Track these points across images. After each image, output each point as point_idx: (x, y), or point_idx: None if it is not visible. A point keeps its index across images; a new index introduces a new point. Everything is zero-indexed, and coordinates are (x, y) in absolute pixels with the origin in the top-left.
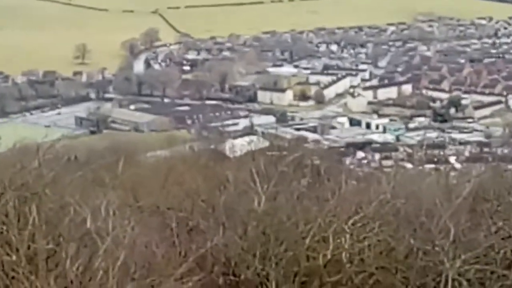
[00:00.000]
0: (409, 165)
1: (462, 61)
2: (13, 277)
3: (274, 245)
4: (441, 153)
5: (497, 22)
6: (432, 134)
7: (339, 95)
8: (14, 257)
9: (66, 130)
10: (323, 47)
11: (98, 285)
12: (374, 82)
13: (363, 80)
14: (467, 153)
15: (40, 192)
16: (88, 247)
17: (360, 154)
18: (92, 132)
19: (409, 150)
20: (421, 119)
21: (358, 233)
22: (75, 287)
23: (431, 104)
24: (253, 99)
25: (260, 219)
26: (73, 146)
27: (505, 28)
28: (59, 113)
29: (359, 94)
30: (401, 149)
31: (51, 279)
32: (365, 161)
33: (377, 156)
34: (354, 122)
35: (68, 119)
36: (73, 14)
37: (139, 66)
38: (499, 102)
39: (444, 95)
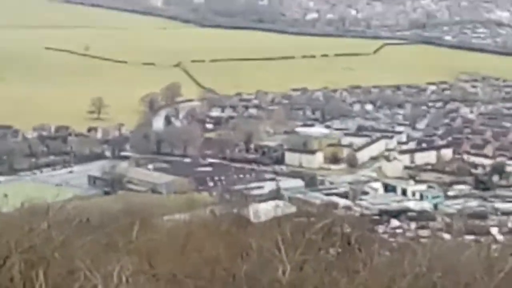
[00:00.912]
0: (447, 236)
1: (508, 125)
2: None
3: None
4: (482, 223)
5: None
6: (473, 203)
7: (373, 159)
8: None
9: (78, 190)
10: (357, 107)
11: None
12: (412, 145)
13: (399, 143)
14: (510, 225)
15: (49, 256)
16: None
17: (395, 222)
18: (106, 193)
19: (448, 220)
20: (462, 186)
21: None
22: None
23: (473, 170)
24: (280, 160)
25: None
26: (85, 207)
27: None
28: (71, 172)
29: (395, 158)
30: (439, 218)
31: None
32: (399, 231)
33: (413, 225)
34: (388, 188)
35: (81, 178)
36: (89, 65)
37: (158, 123)
38: None
39: (487, 161)
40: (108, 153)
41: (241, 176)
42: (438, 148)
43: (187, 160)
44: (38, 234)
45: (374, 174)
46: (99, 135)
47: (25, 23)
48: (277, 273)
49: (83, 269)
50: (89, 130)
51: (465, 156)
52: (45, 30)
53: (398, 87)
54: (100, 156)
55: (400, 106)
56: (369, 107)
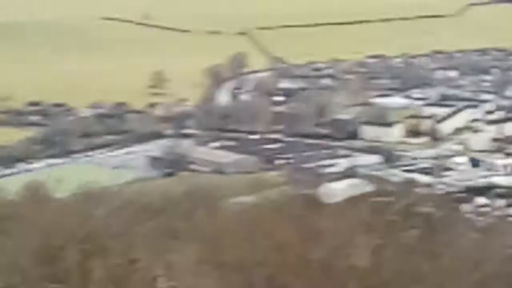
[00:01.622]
0: None
1: None
2: None
3: None
4: None
5: None
6: None
7: (458, 130)
8: None
9: (138, 172)
10: (439, 74)
11: None
12: (500, 114)
13: (486, 112)
14: None
15: (106, 245)
16: None
17: (482, 200)
18: (168, 175)
19: None
20: None
21: None
22: None
23: None
24: (355, 135)
25: (362, 277)
26: (145, 191)
27: None
28: (129, 152)
29: (481, 129)
30: None
31: None
32: (487, 209)
33: (501, 202)
34: (475, 163)
35: (140, 159)
36: (148, 36)
37: (224, 97)
38: None
39: None
40: (169, 131)
41: (313, 153)
42: None
43: (255, 136)
44: (94, 221)
45: (458, 148)
46: (159, 111)
47: None
48: (353, 259)
49: (143, 259)
50: (149, 106)
51: None
52: None
53: (484, 51)
54: (161, 135)
55: (486, 72)
56: (452, 73)
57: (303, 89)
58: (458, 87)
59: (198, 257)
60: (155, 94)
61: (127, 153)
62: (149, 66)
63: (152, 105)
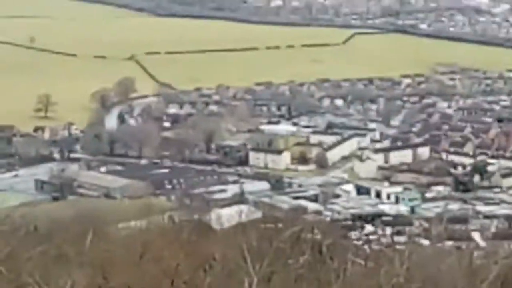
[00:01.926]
0: (425, 242)
1: (489, 120)
2: None
3: None
4: (463, 228)
5: None
6: (453, 206)
7: (345, 159)
8: None
9: (24, 196)
10: (326, 102)
11: None
12: (386, 143)
13: (372, 141)
14: (493, 229)
15: None
16: None
17: (369, 228)
18: (55, 199)
19: (426, 225)
20: (440, 188)
21: None
22: None
23: (452, 170)
24: (244, 161)
25: None
26: (33, 215)
27: None
28: (16, 175)
29: (368, 158)
30: (417, 223)
31: None
32: (374, 237)
33: (388, 230)
34: (361, 191)
35: (27, 182)
36: (34, 59)
37: (111, 122)
38: None
39: (467, 160)
40: (56, 155)
41: (202, 178)
42: (414, 146)
43: (143, 162)
44: None
45: (345, 176)
46: (46, 135)
47: None
48: (243, 286)
49: (31, 284)
50: (36, 130)
51: (444, 155)
52: None
53: (370, 81)
54: (47, 159)
55: (372, 101)
56: (339, 102)
57: (191, 114)
58: (345, 115)
59: (88, 282)
60: (42, 117)
61: (14, 176)
62: (35, 89)
63: (39, 129)
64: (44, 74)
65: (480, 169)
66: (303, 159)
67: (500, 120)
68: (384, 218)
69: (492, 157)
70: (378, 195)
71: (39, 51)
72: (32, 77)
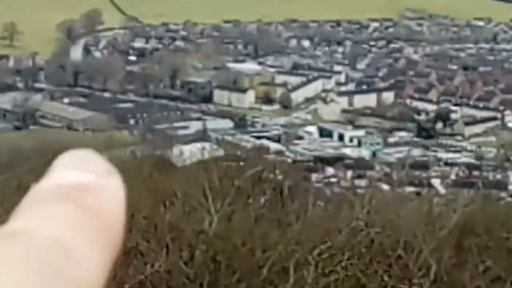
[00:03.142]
0: (386, 187)
1: (454, 67)
2: None
3: (225, 274)
4: (424, 174)
5: (496, 25)
6: (415, 152)
7: (309, 100)
8: None
9: None
10: (293, 43)
11: None
12: (351, 86)
13: (337, 83)
14: (453, 176)
15: None
16: None
17: (330, 170)
18: (17, 128)
19: (387, 169)
20: (403, 133)
21: (324, 265)
22: None
23: (415, 116)
24: (208, 99)
25: (211, 243)
26: None
27: (506, 32)
28: None
29: (332, 100)
30: (378, 167)
31: None
32: (335, 180)
33: (349, 174)
34: (324, 133)
35: None
36: None
37: (76, 53)
38: (494, 119)
39: (431, 107)
40: (20, 85)
41: (165, 114)
42: (379, 90)
43: (107, 94)
44: None
45: (309, 117)
46: (10, 63)
47: None
48: (203, 224)
49: None
50: (0, 58)
51: (408, 101)
52: None
53: (338, 23)
54: (11, 87)
55: (339, 43)
56: (306, 43)
57: (157, 49)
58: (311, 56)
59: None
60: (7, 46)
61: None
62: (0, 17)
63: (4, 57)
64: (10, 2)
65: (443, 116)
66: (267, 99)
67: (465, 68)
68: (346, 161)
69: (456, 104)
70: (340, 138)
71: None
72: None
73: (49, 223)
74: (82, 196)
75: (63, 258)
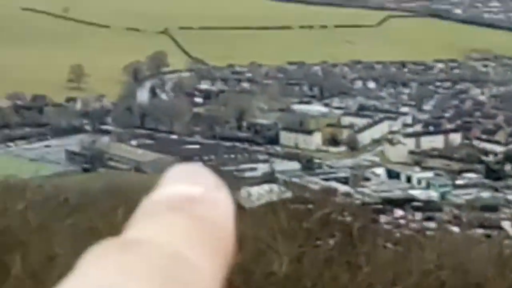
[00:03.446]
0: (455, 229)
1: None
2: None
3: None
4: (493, 216)
5: None
6: (484, 194)
7: (376, 141)
8: None
9: (55, 166)
10: (359, 84)
11: None
12: (417, 128)
13: (404, 125)
14: None
15: (26, 240)
16: None
17: (399, 212)
18: (86, 170)
19: (456, 211)
20: (471, 175)
21: None
22: None
23: (484, 158)
24: (274, 140)
25: (281, 285)
26: (64, 186)
27: None
28: (47, 145)
29: (399, 142)
30: (447, 209)
31: None
32: (403, 221)
33: (418, 216)
34: (392, 174)
35: (58, 153)
36: (68, 29)
37: (143, 95)
38: None
39: (499, 148)
40: (88, 127)
41: (232, 156)
42: (446, 132)
43: (174, 136)
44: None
45: (376, 159)
46: (78, 106)
47: None
48: (272, 266)
49: (62, 255)
50: (68, 100)
51: (475, 142)
52: None
53: (403, 64)
54: (79, 129)
55: (405, 84)
56: (371, 84)
57: (223, 91)
58: (377, 98)
59: None
60: (74, 88)
61: (45, 146)
62: (68, 59)
63: (71, 99)
64: (77, 44)
65: (511, 158)
66: (334, 141)
67: None
68: (414, 203)
69: None
70: (408, 179)
71: (73, 21)
72: (65, 47)
73: (164, 232)
74: (194, 207)
75: (180, 266)
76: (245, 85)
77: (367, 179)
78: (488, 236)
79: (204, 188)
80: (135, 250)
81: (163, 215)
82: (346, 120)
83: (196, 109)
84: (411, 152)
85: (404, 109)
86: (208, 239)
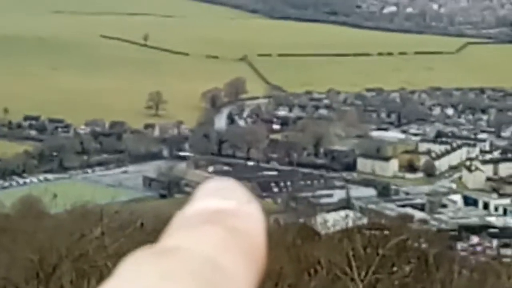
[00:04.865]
0: None
1: None
2: None
3: None
4: None
5: None
6: None
7: (453, 168)
8: None
9: (132, 192)
10: (437, 111)
11: None
12: (496, 154)
13: (482, 151)
14: None
15: (102, 266)
16: None
17: (475, 239)
18: (162, 196)
19: None
20: None
21: None
22: None
23: None
24: (351, 167)
25: None
26: (140, 211)
27: None
28: (125, 172)
29: (476, 168)
30: None
31: None
32: (480, 248)
33: (495, 242)
34: (469, 201)
35: (136, 179)
36: (147, 56)
37: (221, 122)
38: None
39: None
40: (165, 153)
41: (309, 182)
42: None
43: (251, 163)
44: (90, 241)
45: (453, 185)
46: (156, 132)
47: (80, 9)
48: None
49: None
50: (146, 127)
51: None
52: (101, 17)
53: (482, 90)
54: (156, 156)
55: (484, 111)
56: (449, 111)
57: (300, 118)
58: (455, 124)
59: None
60: (153, 115)
61: (123, 172)
62: (147, 86)
63: (149, 126)
64: (156, 72)
65: None
66: (411, 167)
67: None
68: (491, 230)
69: None
70: (485, 206)
71: (153, 48)
72: (144, 75)
73: (199, 242)
74: (227, 219)
75: (215, 275)
76: (323, 111)
77: (444, 206)
78: None
79: (236, 202)
80: (173, 255)
81: (198, 227)
82: (424, 146)
83: (273, 136)
84: (489, 179)
85: (483, 136)
86: (242, 249)
